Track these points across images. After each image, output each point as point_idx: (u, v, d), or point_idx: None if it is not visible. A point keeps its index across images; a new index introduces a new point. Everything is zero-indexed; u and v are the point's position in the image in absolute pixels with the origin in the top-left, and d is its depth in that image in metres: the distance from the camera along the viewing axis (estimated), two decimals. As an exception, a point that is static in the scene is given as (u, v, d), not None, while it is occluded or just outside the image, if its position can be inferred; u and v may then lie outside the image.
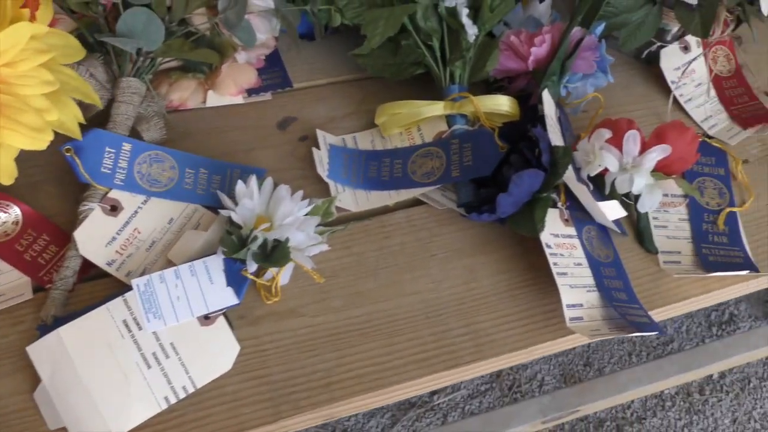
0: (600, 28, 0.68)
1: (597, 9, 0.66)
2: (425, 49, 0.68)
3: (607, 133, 0.64)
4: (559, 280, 0.58)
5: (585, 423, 1.30)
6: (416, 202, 0.67)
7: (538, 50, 0.65)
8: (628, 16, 0.69)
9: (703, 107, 0.75)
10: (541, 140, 0.59)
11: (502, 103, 0.66)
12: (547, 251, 0.59)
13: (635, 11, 0.69)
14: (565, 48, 0.65)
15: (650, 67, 0.78)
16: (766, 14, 0.78)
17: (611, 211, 0.61)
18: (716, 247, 0.65)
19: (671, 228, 0.67)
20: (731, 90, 0.77)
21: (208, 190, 0.64)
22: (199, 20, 0.67)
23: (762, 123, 0.74)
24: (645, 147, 0.64)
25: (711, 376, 1.39)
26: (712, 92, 0.77)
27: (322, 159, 0.67)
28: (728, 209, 0.68)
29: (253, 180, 0.59)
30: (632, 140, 0.63)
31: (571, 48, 0.66)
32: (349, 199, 0.66)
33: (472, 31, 0.65)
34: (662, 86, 0.77)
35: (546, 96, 0.64)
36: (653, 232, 0.66)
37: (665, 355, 1.41)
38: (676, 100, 0.75)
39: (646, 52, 0.77)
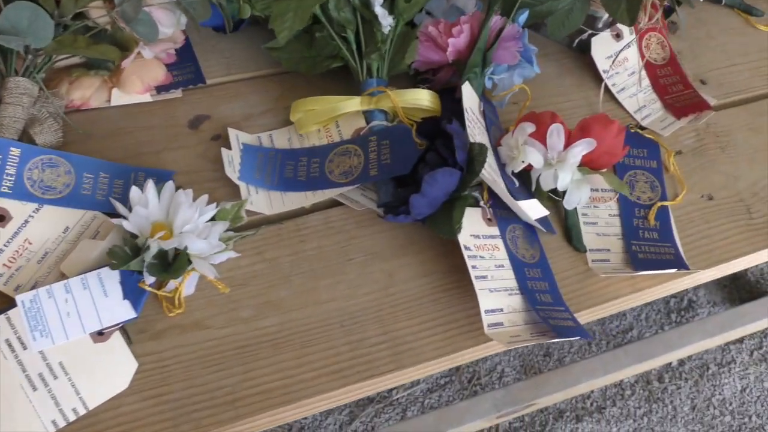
0: (523, 17, 0.65)
1: (517, -3, 0.63)
2: (340, 41, 0.64)
3: (530, 127, 0.61)
4: (478, 284, 0.55)
5: (545, 414, 1.29)
6: (334, 203, 0.63)
7: (457, 41, 0.62)
8: (554, 3, 0.66)
9: (636, 97, 0.73)
10: (456, 137, 0.56)
11: (422, 98, 0.63)
12: (466, 254, 0.56)
13: (561, -1, 0.66)
14: (485, 38, 0.62)
15: (583, 55, 0.75)
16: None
17: (531, 209, 0.58)
18: (647, 243, 0.63)
19: (601, 224, 0.64)
20: (665, 78, 0.74)
21: (109, 195, 0.60)
22: (98, 14, 0.63)
23: (696, 112, 0.72)
24: (570, 141, 0.61)
25: (670, 363, 1.39)
26: (646, 81, 0.74)
27: (232, 160, 0.63)
28: (659, 203, 0.65)
29: (149, 185, 0.55)
30: (556, 134, 0.60)
31: (491, 38, 0.63)
32: (263, 201, 0.62)
33: (386, 22, 0.62)
34: (596, 75, 0.74)
35: (466, 89, 0.61)
36: (582, 229, 0.63)
37: (625, 344, 1.40)
38: (608, 90, 0.73)
39: (577, 40, 0.74)
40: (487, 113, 0.65)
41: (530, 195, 0.63)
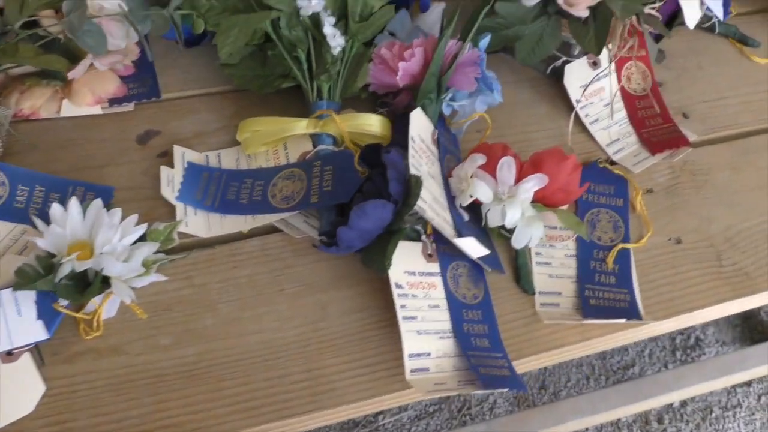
0: (485, 41, 0.62)
1: (474, 20, 0.59)
2: (291, 60, 0.62)
3: (480, 159, 0.58)
4: (405, 326, 0.52)
5: (534, 450, 1.24)
6: (274, 229, 0.61)
7: (408, 65, 0.59)
8: (521, 28, 0.63)
9: (609, 130, 0.68)
10: (390, 168, 0.53)
11: (371, 123, 0.60)
12: (396, 292, 0.53)
13: (528, 23, 0.62)
14: (438, 63, 0.59)
15: (559, 83, 0.71)
16: (691, 27, 0.71)
17: (469, 248, 0.55)
18: (602, 288, 0.59)
19: (555, 265, 0.60)
20: (644, 110, 0.70)
21: (44, 210, 0.59)
22: (49, 23, 0.62)
23: (673, 148, 0.67)
24: (522, 175, 0.57)
25: (671, 404, 1.32)
26: (623, 113, 0.70)
27: (172, 179, 0.61)
28: (621, 245, 0.61)
29: (72, 202, 0.54)
30: (506, 168, 0.57)
31: (446, 63, 0.60)
32: (201, 223, 0.60)
33: (335, 42, 0.59)
34: (570, 105, 0.70)
35: (416, 116, 0.58)
36: (534, 269, 0.60)
37: (625, 380, 1.34)
38: (581, 121, 0.69)
39: (551, 66, 0.70)
40: (443, 141, 0.62)
41: (480, 231, 0.59)
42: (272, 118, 0.62)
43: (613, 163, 0.67)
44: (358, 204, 0.52)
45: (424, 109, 0.60)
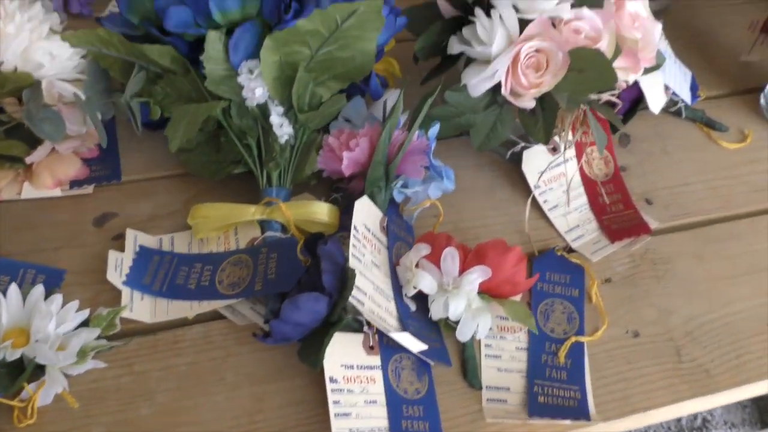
0: (434, 129, 0.62)
1: (420, 109, 0.59)
2: (242, 148, 0.62)
3: (424, 249, 0.57)
4: (336, 423, 0.50)
5: None
6: (219, 315, 0.60)
7: (353, 155, 0.59)
8: (473, 116, 0.63)
9: (568, 216, 0.67)
10: (324, 260, 0.53)
11: (318, 211, 0.60)
12: (330, 387, 0.52)
13: (480, 111, 0.63)
14: (383, 152, 0.59)
15: (519, 167, 0.71)
16: (656, 113, 0.71)
17: (406, 342, 0.53)
18: (552, 384, 0.57)
19: (505, 358, 0.58)
20: (606, 196, 0.69)
21: (-8, 293, 0.59)
22: (13, 109, 0.64)
23: (633, 235, 0.66)
24: (465, 266, 0.56)
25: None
26: (583, 198, 0.69)
27: (121, 263, 0.61)
28: (574, 338, 0.59)
29: (12, 288, 0.54)
30: (450, 259, 0.56)
31: (393, 151, 0.60)
32: (147, 308, 0.60)
33: (281, 132, 0.60)
34: (530, 190, 0.69)
35: (360, 204, 0.58)
36: (483, 362, 0.58)
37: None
38: (540, 207, 0.68)
39: (510, 152, 0.70)
40: (392, 229, 0.61)
41: (428, 322, 0.58)
42: (222, 204, 0.62)
43: (571, 250, 0.66)
44: (290, 297, 0.51)
45: (372, 196, 0.60)
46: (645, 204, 0.70)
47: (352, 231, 0.56)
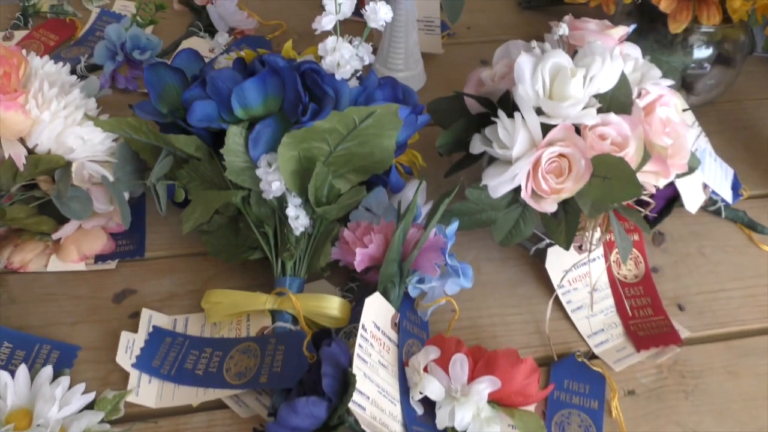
0: (453, 227, 0.61)
1: (436, 209, 0.58)
2: (259, 235, 0.62)
3: (434, 352, 0.56)
4: None
5: None
6: (223, 404, 0.59)
7: (366, 251, 0.58)
8: (495, 213, 0.61)
9: (592, 319, 0.64)
10: (325, 363, 0.51)
11: (329, 306, 0.59)
12: (324, 496, 0.50)
13: (501, 209, 0.61)
14: (397, 249, 0.58)
15: (544, 263, 0.69)
16: (693, 212, 0.68)
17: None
18: (562, 506, 0.53)
19: (515, 472, 0.55)
20: (634, 299, 0.66)
21: (7, 367, 0.60)
22: (46, 186, 0.66)
23: (661, 345, 0.62)
24: (475, 374, 0.54)
25: None
26: (609, 301, 0.66)
27: (132, 344, 0.62)
28: (589, 457, 0.56)
29: (21, 370, 0.55)
30: (459, 366, 0.54)
31: (408, 249, 0.59)
32: (153, 393, 0.59)
33: (296, 224, 0.59)
34: (553, 288, 0.67)
35: (370, 302, 0.56)
36: (491, 474, 0.55)
37: None
38: (564, 307, 0.65)
39: (534, 248, 0.68)
40: (405, 326, 0.60)
41: (434, 428, 0.56)
42: (234, 291, 0.62)
43: (593, 357, 0.63)
44: (288, 401, 0.50)
45: (386, 292, 0.59)
46: (677, 310, 0.66)
47: (360, 330, 0.55)
